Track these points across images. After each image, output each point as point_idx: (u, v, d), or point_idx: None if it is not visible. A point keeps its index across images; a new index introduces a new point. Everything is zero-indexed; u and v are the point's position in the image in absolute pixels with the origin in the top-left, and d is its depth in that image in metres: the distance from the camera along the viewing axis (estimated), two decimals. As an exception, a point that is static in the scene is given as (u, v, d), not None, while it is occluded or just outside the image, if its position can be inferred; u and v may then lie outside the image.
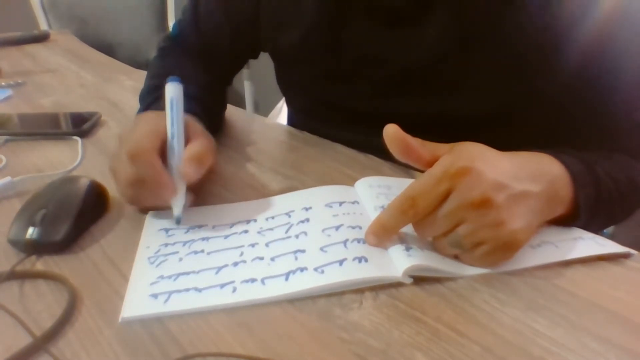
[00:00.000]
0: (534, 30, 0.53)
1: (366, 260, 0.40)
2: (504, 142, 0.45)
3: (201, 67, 0.72)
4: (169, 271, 0.41)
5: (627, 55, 0.53)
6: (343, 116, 0.67)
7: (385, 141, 0.41)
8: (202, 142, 0.49)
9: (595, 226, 0.47)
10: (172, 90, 0.47)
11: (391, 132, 0.40)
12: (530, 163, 0.43)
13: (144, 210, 0.49)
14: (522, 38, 0.53)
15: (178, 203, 0.46)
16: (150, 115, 0.52)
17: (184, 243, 0.44)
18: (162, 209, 0.48)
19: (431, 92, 0.60)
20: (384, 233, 0.41)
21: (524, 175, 0.40)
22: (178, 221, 0.46)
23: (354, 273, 0.39)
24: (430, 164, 0.40)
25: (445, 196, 0.38)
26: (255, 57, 0.77)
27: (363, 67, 0.62)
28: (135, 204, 0.50)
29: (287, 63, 0.71)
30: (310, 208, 0.48)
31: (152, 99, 0.62)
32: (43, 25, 1.82)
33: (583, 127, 0.57)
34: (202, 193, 0.53)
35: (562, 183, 0.44)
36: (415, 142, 0.41)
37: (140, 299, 0.38)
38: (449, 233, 0.39)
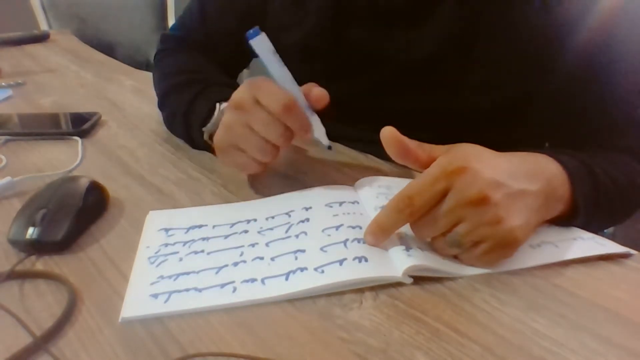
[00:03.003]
0: (535, 27, 0.53)
1: (366, 260, 0.40)
2: (505, 139, 0.45)
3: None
4: (169, 271, 0.41)
5: (628, 54, 0.53)
6: (345, 113, 0.68)
7: (382, 143, 0.41)
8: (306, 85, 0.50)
9: (594, 225, 0.47)
10: (264, 40, 0.48)
11: (388, 134, 0.40)
12: (526, 162, 0.43)
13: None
14: (522, 36, 0.53)
15: (322, 133, 0.49)
16: (249, 81, 0.50)
17: (184, 243, 0.44)
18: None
19: (433, 89, 0.60)
20: (381, 233, 0.41)
21: (521, 174, 0.41)
22: (330, 147, 0.50)
23: (354, 273, 0.39)
24: (427, 165, 0.40)
25: (442, 195, 0.38)
26: (258, 56, 0.77)
27: (365, 65, 0.63)
28: (264, 166, 0.50)
29: (290, 62, 0.72)
30: (310, 208, 0.48)
31: (194, 95, 0.60)
32: (43, 25, 1.82)
33: (583, 126, 0.57)
34: (203, 193, 0.53)
35: (560, 181, 0.44)
36: (412, 144, 0.41)
37: (141, 299, 0.38)
38: (447, 233, 0.39)
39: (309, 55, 0.66)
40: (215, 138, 0.51)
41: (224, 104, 0.55)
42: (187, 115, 0.61)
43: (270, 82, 0.47)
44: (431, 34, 0.57)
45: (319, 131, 0.50)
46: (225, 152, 0.51)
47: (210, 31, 0.72)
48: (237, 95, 0.47)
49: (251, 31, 0.47)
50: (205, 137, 0.58)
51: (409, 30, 0.58)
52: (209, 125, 0.57)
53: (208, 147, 0.59)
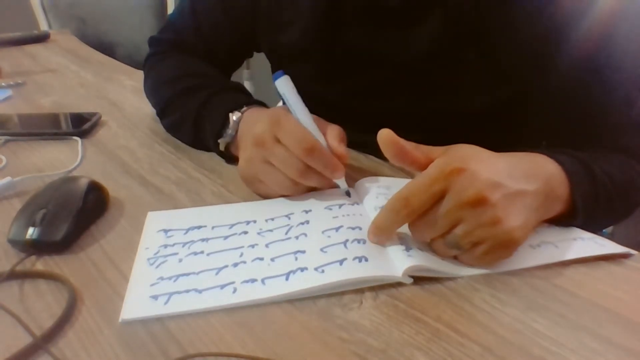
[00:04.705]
0: (532, 28, 0.53)
1: (366, 260, 0.40)
2: (502, 140, 0.45)
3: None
4: (169, 272, 0.41)
5: (625, 53, 0.53)
6: (340, 114, 0.67)
7: (379, 145, 0.41)
8: (330, 124, 0.51)
9: (594, 224, 0.47)
10: (288, 82, 0.50)
11: (385, 136, 0.40)
12: (524, 162, 0.43)
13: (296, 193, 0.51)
14: (519, 36, 0.53)
15: (342, 178, 0.49)
16: (274, 110, 0.52)
17: (184, 244, 0.44)
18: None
19: (429, 90, 0.60)
20: (380, 233, 0.41)
21: (519, 175, 0.41)
22: (349, 193, 0.50)
23: (354, 272, 0.39)
24: (425, 166, 0.40)
25: (440, 196, 0.38)
26: (250, 55, 0.77)
27: (360, 66, 0.62)
28: (288, 193, 0.50)
29: (284, 62, 0.72)
30: (310, 211, 0.48)
31: (200, 104, 0.61)
32: (43, 25, 1.81)
33: (580, 126, 0.57)
34: (203, 193, 0.53)
35: (558, 181, 0.44)
36: (409, 145, 0.41)
37: (140, 300, 0.38)
38: (446, 235, 0.39)
39: (303, 56, 0.66)
40: (238, 169, 0.52)
41: (237, 114, 0.57)
42: (198, 126, 0.61)
43: (291, 120, 0.48)
44: (426, 34, 0.57)
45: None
46: (248, 182, 0.52)
47: (203, 32, 0.72)
48: (257, 131, 0.48)
49: (276, 73, 0.50)
50: (222, 147, 0.58)
51: (403, 31, 0.58)
52: (225, 137, 0.57)
53: (224, 156, 0.60)
